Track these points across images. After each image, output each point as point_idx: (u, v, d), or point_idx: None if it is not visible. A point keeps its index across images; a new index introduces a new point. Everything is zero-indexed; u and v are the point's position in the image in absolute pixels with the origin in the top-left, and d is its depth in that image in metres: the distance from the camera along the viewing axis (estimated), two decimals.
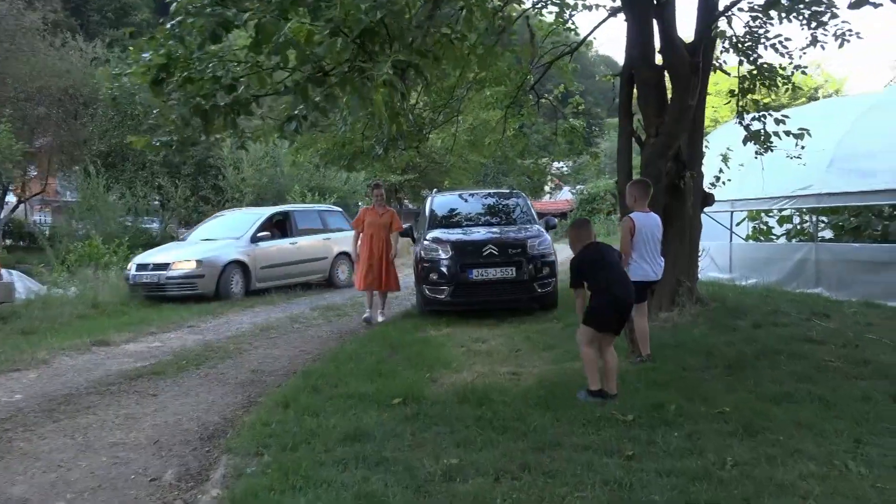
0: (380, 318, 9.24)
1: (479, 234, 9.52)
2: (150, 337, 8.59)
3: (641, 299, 5.91)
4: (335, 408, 4.98)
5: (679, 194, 7.64)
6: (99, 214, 20.46)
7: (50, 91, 24.17)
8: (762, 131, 8.03)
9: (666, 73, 7.49)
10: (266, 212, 12.88)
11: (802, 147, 7.98)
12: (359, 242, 9.51)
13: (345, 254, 13.36)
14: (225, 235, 12.06)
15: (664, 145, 7.30)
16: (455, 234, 9.50)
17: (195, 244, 12.13)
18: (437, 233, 9.50)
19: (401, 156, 9.85)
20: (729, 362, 5.64)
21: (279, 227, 12.77)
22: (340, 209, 14.75)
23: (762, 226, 12.08)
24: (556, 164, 35.99)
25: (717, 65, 8.77)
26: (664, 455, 3.77)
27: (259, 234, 11.99)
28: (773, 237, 11.86)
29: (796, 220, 11.54)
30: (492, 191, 11.43)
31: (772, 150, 8.15)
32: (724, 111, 33.13)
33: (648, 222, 5.92)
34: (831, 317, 7.65)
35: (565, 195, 44.80)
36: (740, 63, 8.32)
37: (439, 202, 10.62)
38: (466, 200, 10.86)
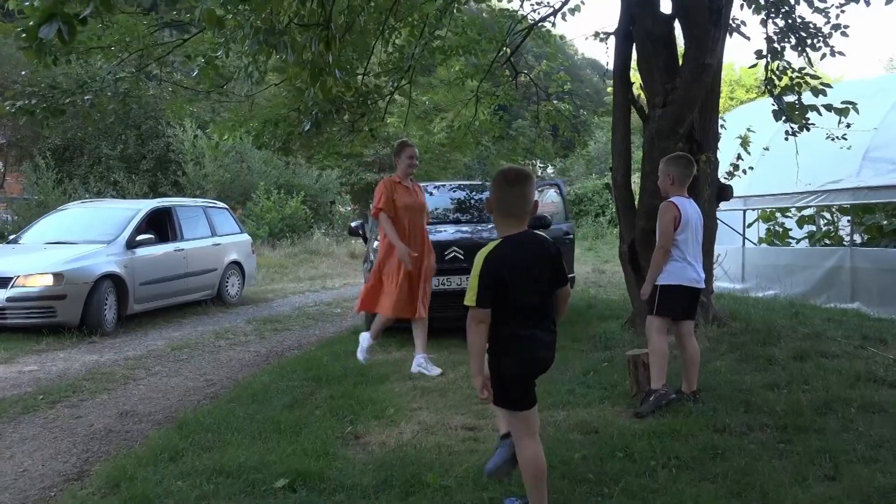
0: (424, 369, 5.69)
1: (444, 233, 7.76)
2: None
3: (689, 314, 4.39)
4: (183, 495, 3.22)
5: (692, 184, 5.92)
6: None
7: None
8: (797, 103, 6.30)
9: (677, 25, 5.77)
10: (144, 205, 9.41)
11: (848, 126, 6.28)
12: (375, 239, 6.79)
13: (236, 264, 10.60)
14: (86, 238, 8.42)
15: (674, 118, 5.59)
16: None
17: (42, 250, 8.29)
18: None
19: (351, 140, 8.04)
20: (783, 421, 3.90)
21: (156, 226, 9.43)
22: (226, 206, 11.51)
23: (778, 228, 10.41)
24: (542, 166, 34.33)
25: (735, 25, 7.06)
26: None
27: (138, 238, 8.64)
28: (791, 241, 10.18)
29: (821, 220, 9.86)
30: (463, 182, 9.68)
31: (808, 129, 6.43)
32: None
33: (693, 212, 4.38)
34: (888, 343, 5.95)
35: (552, 197, 43.10)
36: (767, 18, 6.60)
37: None
38: (431, 194, 9.06)
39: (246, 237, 11.14)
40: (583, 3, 8.52)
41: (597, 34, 7.17)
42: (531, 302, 2.66)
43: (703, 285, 4.35)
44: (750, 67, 6.36)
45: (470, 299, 2.60)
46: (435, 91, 12.50)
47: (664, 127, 5.57)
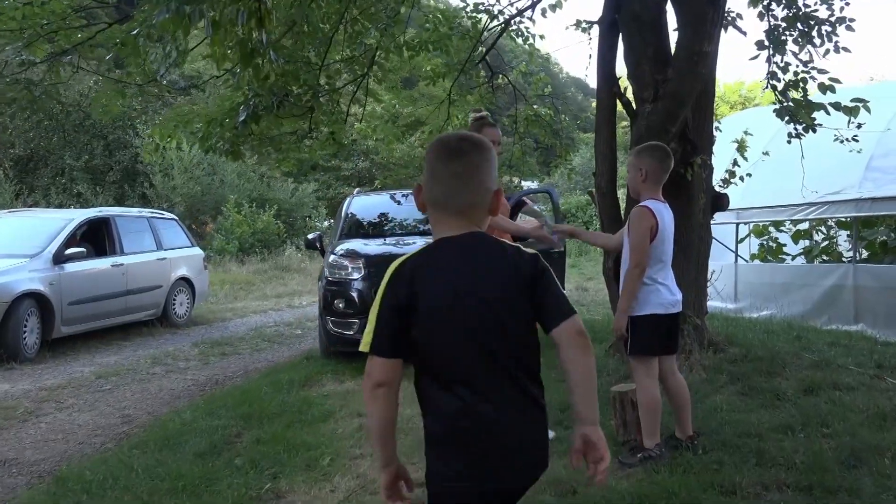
0: None
1: (413, 246, 6.96)
2: None
3: (670, 347, 3.55)
4: None
5: (685, 190, 5.21)
6: None
7: None
8: (803, 99, 5.59)
9: (669, 9, 5.06)
10: (77, 216, 8.51)
11: (859, 126, 5.59)
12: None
13: (185, 280, 9.66)
14: (7, 251, 7.41)
15: (666, 115, 4.86)
16: (376, 247, 6.95)
17: None
18: (350, 244, 6.94)
19: (309, 145, 7.25)
20: (805, 479, 3.12)
21: (92, 239, 8.55)
22: (175, 217, 10.55)
23: (771, 243, 9.70)
24: (525, 184, 33.65)
25: (730, 19, 6.37)
26: None
27: (68, 252, 7.67)
28: (786, 257, 9.49)
29: (818, 235, 9.18)
30: None
31: (814, 130, 5.73)
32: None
33: (669, 220, 3.53)
34: None
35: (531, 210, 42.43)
36: (766, 11, 5.92)
37: (361, 204, 8.03)
38: (399, 202, 8.28)
39: (197, 251, 10.24)
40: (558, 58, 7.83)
41: (578, 23, 6.46)
42: (470, 349, 1.57)
43: (680, 307, 3.56)
44: (751, 59, 5.68)
45: (364, 342, 1.63)
46: (417, 103, 11.80)
47: (654, 124, 4.84)
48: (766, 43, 5.49)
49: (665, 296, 3.44)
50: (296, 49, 6.51)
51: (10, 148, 22.17)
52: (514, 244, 1.73)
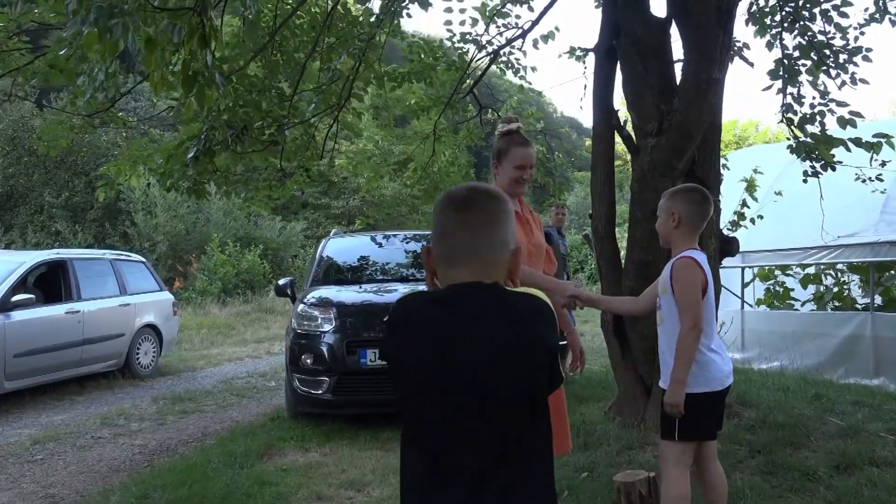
0: None
1: (392, 294, 6.34)
2: None
3: (716, 429, 2.94)
4: None
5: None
6: None
7: None
8: (821, 135, 5.04)
9: (674, 32, 4.54)
10: (26, 258, 7.75)
11: (883, 164, 5.04)
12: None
13: (151, 327, 8.93)
14: None
15: (673, 149, 4.30)
16: (349, 294, 6.31)
17: None
18: (321, 291, 6.29)
19: (282, 184, 6.67)
20: None
21: (46, 284, 7.94)
22: (143, 259, 9.82)
23: (778, 288, 9.11)
24: None
25: (736, 49, 5.88)
26: None
27: (15, 298, 7.01)
28: (794, 303, 8.89)
29: (828, 280, 8.59)
30: (419, 232, 8.31)
31: (833, 168, 5.18)
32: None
33: (709, 270, 2.92)
34: None
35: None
36: (775, 39, 5.42)
37: (337, 247, 7.39)
38: (381, 245, 7.67)
39: (166, 296, 9.55)
40: (557, 29, 7.36)
41: (572, 51, 5.95)
42: (452, 429, 1.35)
43: (732, 378, 2.93)
44: (763, 90, 5.16)
45: None
46: (409, 142, 11.31)
47: (659, 160, 4.28)
48: (780, 73, 4.96)
49: (720, 367, 2.85)
50: (267, 77, 5.99)
51: None
52: (519, 294, 1.44)
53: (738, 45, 5.96)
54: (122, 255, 9.65)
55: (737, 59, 6.07)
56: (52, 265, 8.00)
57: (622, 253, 5.22)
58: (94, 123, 5.38)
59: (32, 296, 7.18)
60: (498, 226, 1.44)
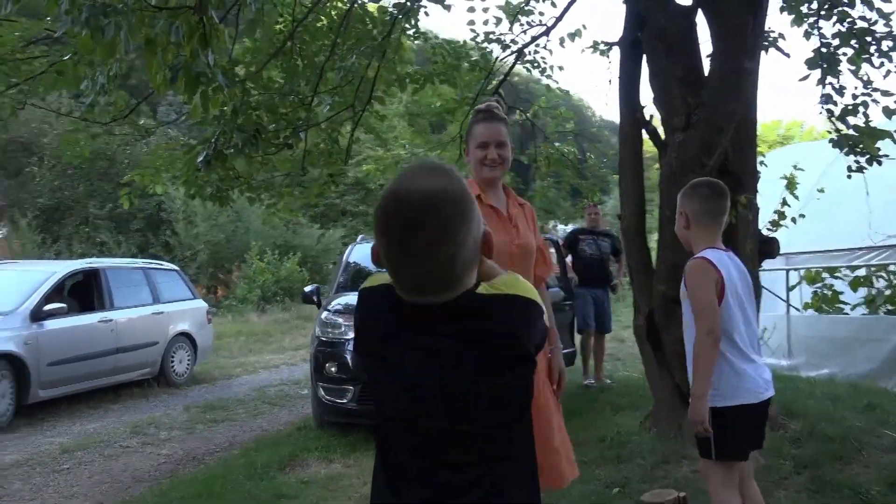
0: None
1: None
2: None
3: (756, 444, 2.71)
4: None
5: (728, 234, 4.32)
6: None
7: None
8: (865, 128, 4.73)
9: (700, 20, 4.31)
10: (58, 268, 7.82)
11: None
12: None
13: (185, 335, 8.97)
14: None
15: (702, 144, 4.07)
16: None
17: None
18: (346, 298, 6.19)
19: (304, 188, 6.61)
20: None
21: (81, 293, 8.01)
22: (176, 267, 9.81)
23: (826, 291, 8.66)
24: (560, 227, 32.73)
25: (771, 39, 5.59)
26: None
27: (47, 308, 7.04)
28: (844, 306, 8.44)
29: (879, 282, 8.13)
30: None
31: (880, 163, 4.86)
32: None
33: (738, 272, 2.70)
34: None
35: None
36: (813, 28, 5.12)
37: (363, 253, 7.28)
38: None
39: (200, 304, 9.60)
40: (584, 27, 7.15)
41: (595, 45, 5.74)
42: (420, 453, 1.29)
43: (772, 389, 2.69)
44: (800, 80, 4.87)
45: None
46: (446, 148, 11.22)
47: (687, 156, 4.05)
48: (819, 62, 4.67)
49: (755, 377, 2.59)
50: (287, 81, 5.93)
51: (37, 198, 22.26)
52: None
53: (772, 35, 5.68)
54: (154, 263, 9.76)
55: (774, 52, 5.80)
56: (86, 274, 8.09)
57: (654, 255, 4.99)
58: (113, 131, 5.38)
59: (64, 305, 7.26)
60: (455, 238, 1.22)
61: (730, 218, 4.36)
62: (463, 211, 1.23)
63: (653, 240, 5.14)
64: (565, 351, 5.61)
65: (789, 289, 8.61)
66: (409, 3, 5.40)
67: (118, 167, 20.30)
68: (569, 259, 7.45)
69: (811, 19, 5.29)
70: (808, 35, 5.45)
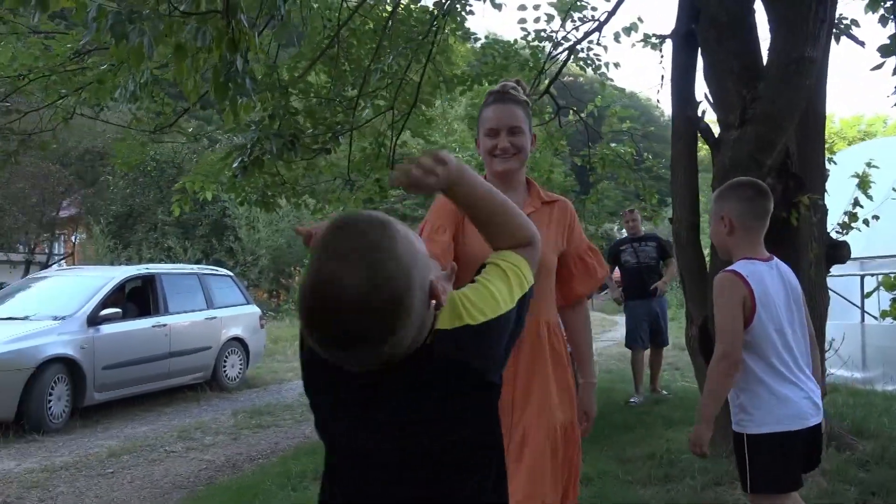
0: None
1: None
2: None
3: (804, 472, 2.42)
4: None
5: (789, 239, 4.01)
6: None
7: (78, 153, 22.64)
8: None
9: (758, 8, 3.99)
10: (115, 274, 7.99)
11: None
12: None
13: (238, 340, 9.05)
14: (42, 313, 7.07)
15: (758, 141, 3.76)
16: None
17: None
18: None
19: (351, 194, 6.54)
20: None
21: (139, 299, 8.17)
22: (230, 273, 9.91)
23: None
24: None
25: (843, 27, 5.19)
26: None
27: (103, 313, 7.20)
28: None
29: None
30: None
31: None
32: None
33: (779, 284, 2.38)
34: None
35: None
36: (889, 13, 4.72)
37: None
38: None
39: (253, 309, 9.70)
40: (640, 20, 6.84)
41: (646, 38, 5.45)
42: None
43: (820, 415, 2.40)
44: (873, 70, 4.47)
45: None
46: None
47: (742, 155, 3.74)
48: (894, 49, 4.27)
49: (797, 401, 2.30)
50: (334, 85, 5.87)
51: (110, 205, 23.17)
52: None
53: (845, 22, 5.28)
54: (209, 269, 9.92)
55: (848, 41, 5.40)
56: (143, 280, 8.25)
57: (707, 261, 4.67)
58: (162, 138, 5.43)
59: (119, 310, 7.42)
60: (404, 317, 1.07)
61: (792, 220, 4.07)
62: (401, 304, 1.05)
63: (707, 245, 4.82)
64: None
65: (864, 295, 8.04)
66: (448, 2, 5.24)
67: (185, 174, 20.91)
68: (616, 273, 7.14)
69: (888, 3, 4.88)
70: (884, 20, 5.04)
